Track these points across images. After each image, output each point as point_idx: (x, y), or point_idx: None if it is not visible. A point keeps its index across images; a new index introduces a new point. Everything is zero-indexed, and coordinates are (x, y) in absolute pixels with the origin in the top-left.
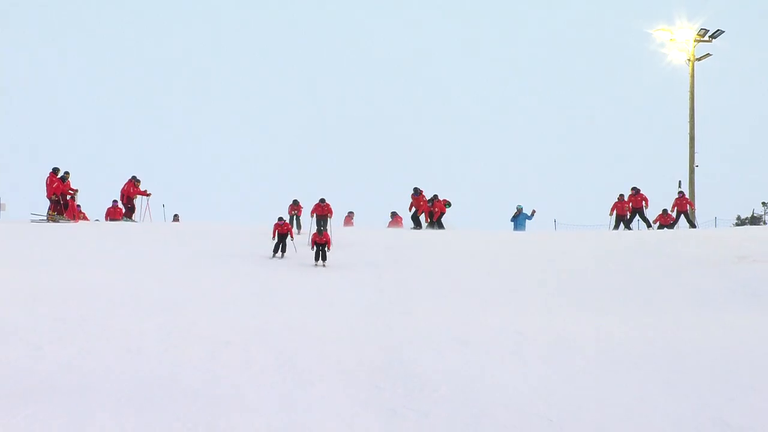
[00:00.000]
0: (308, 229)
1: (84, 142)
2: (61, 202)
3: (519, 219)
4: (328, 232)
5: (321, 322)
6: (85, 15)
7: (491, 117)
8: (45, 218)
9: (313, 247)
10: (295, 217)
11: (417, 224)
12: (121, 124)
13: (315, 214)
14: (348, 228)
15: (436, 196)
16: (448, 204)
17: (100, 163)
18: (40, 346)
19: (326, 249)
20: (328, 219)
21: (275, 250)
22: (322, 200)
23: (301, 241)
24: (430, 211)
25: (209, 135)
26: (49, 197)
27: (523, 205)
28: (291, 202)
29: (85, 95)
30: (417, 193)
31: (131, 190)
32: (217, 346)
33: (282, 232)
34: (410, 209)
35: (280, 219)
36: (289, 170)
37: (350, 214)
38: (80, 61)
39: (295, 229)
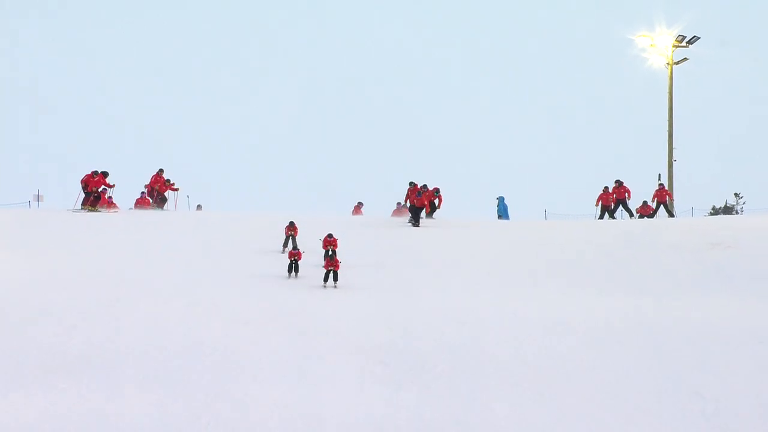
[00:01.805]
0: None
1: (108, 134)
2: (93, 195)
3: (501, 208)
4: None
5: (331, 304)
6: (106, 8)
7: (481, 115)
8: (80, 209)
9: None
10: (291, 237)
11: (415, 218)
12: (143, 116)
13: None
14: (357, 217)
15: (425, 186)
16: (437, 191)
17: (124, 154)
18: (74, 325)
19: (337, 272)
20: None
21: (290, 271)
22: (330, 235)
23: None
24: (422, 204)
25: (226, 128)
26: (89, 191)
27: (503, 196)
28: (287, 224)
29: (104, 88)
30: (411, 185)
31: (162, 186)
32: (237, 324)
33: (291, 258)
34: (406, 201)
35: (295, 248)
36: (299, 163)
37: (359, 204)
38: (102, 56)
39: (289, 247)
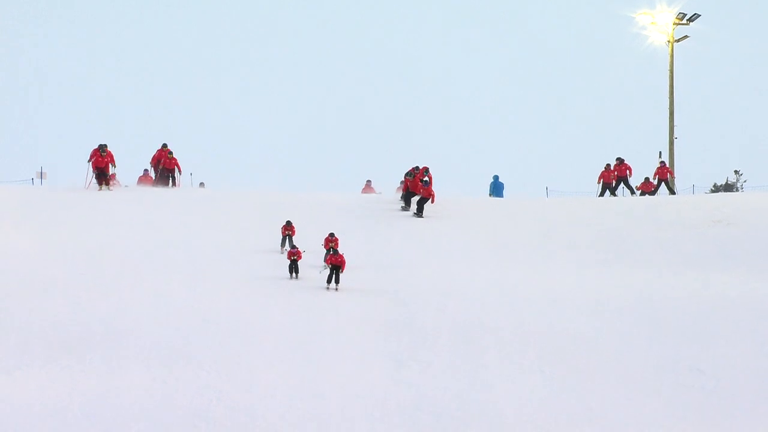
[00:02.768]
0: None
1: (109, 110)
2: (102, 173)
3: (496, 187)
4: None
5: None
6: None
7: (480, 94)
8: (98, 187)
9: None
10: (288, 237)
11: (419, 209)
12: (146, 93)
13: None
14: (366, 195)
15: (416, 168)
16: (426, 170)
17: (128, 132)
18: (78, 301)
19: (340, 271)
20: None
21: (290, 272)
22: (332, 234)
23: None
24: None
25: (228, 105)
26: (94, 169)
27: (498, 174)
28: (284, 223)
29: (101, 67)
30: (411, 176)
31: (169, 161)
32: (241, 301)
33: (290, 258)
34: (405, 190)
35: (294, 247)
36: (304, 144)
37: (368, 183)
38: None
39: (287, 246)
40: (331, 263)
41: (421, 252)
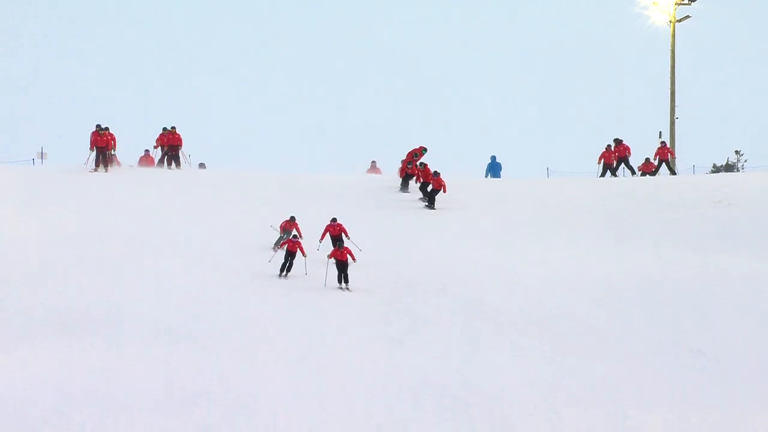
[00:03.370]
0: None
1: (111, 92)
2: (103, 154)
3: (494, 168)
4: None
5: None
6: None
7: (484, 75)
8: (95, 169)
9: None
10: (286, 233)
11: (431, 200)
12: (148, 72)
13: (330, 234)
14: (372, 175)
15: (416, 153)
16: (424, 150)
17: (130, 114)
18: (79, 281)
19: (347, 270)
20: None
21: (282, 270)
22: (334, 219)
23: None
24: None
25: (229, 87)
26: (91, 149)
27: (495, 155)
28: (288, 218)
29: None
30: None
31: (172, 137)
32: (242, 281)
33: (291, 250)
34: (417, 181)
35: (294, 236)
36: (306, 122)
37: (373, 163)
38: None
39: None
40: (334, 258)
41: (421, 233)
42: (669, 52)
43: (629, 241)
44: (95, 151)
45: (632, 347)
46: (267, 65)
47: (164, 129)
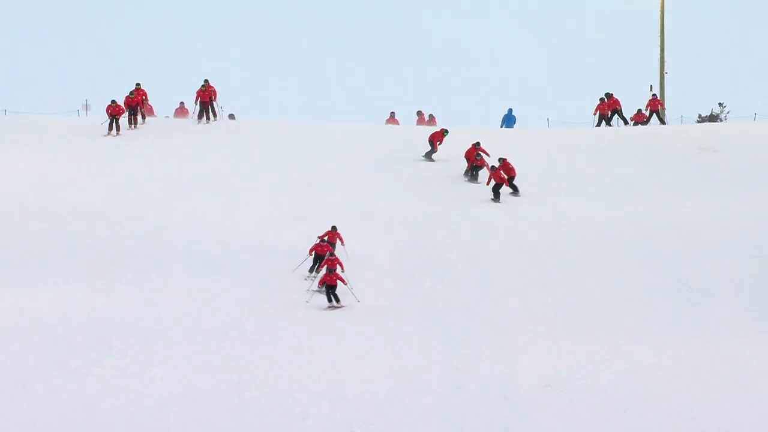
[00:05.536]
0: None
1: (147, 47)
2: (133, 114)
3: (508, 119)
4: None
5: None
6: None
7: (483, 27)
8: (129, 128)
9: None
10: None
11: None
12: (182, 30)
13: (316, 254)
14: (390, 126)
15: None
16: (445, 132)
17: (163, 66)
18: (120, 221)
19: (335, 291)
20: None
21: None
22: (334, 228)
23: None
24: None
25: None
26: (126, 108)
27: (512, 108)
28: (330, 228)
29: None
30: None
31: (203, 93)
32: (265, 222)
33: (320, 253)
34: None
35: (322, 240)
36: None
37: (392, 114)
38: None
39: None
40: (324, 284)
41: (434, 180)
42: (658, 13)
43: (622, 186)
44: (128, 111)
45: (626, 283)
46: (293, 17)
47: (206, 81)
